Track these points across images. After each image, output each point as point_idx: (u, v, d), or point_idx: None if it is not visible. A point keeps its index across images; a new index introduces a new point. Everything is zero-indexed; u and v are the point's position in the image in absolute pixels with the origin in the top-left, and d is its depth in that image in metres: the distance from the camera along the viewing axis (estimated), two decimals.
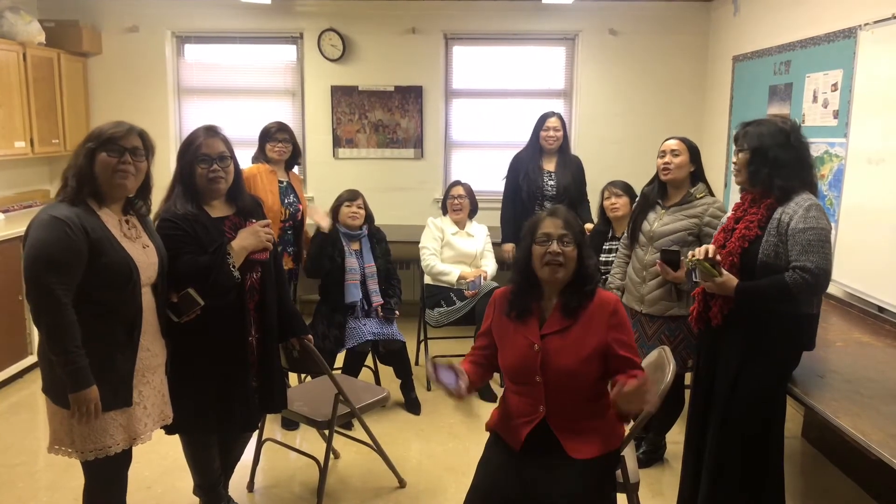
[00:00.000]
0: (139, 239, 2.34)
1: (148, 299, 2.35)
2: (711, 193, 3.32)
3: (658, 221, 3.30)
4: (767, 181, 2.47)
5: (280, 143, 4.11)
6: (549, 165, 4.53)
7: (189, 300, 2.45)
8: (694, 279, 2.75)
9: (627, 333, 2.30)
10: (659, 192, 3.35)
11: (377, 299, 4.12)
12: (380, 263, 4.18)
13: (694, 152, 3.28)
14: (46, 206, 2.21)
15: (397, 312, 4.18)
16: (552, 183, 4.48)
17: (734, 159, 2.58)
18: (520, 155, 4.66)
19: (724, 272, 2.49)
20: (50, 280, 2.08)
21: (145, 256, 2.32)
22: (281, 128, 4.14)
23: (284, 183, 4.16)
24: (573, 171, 4.53)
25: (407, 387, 4.23)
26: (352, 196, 4.12)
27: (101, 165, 2.21)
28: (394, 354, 4.18)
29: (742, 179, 2.57)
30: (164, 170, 5.74)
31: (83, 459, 2.27)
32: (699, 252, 2.50)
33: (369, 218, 4.19)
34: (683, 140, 3.29)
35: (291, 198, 4.16)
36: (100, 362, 2.19)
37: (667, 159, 3.26)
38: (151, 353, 2.38)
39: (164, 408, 2.48)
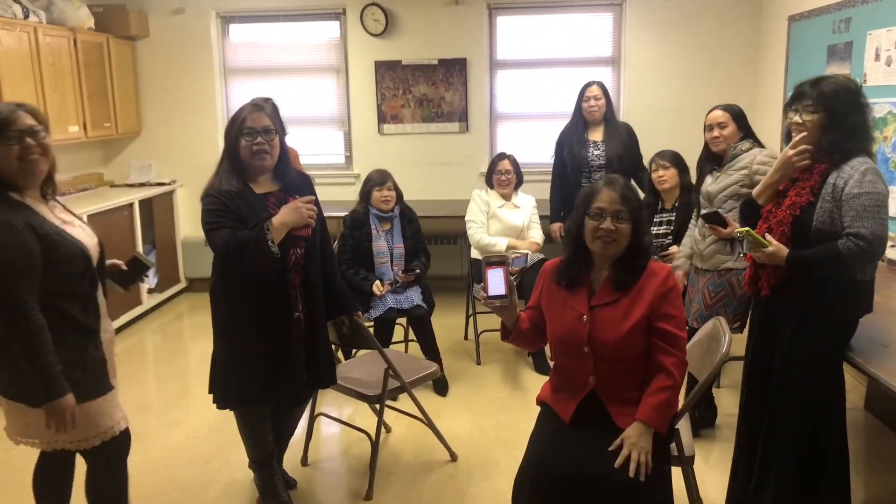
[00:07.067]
0: (74, 221, 2.25)
1: (95, 279, 2.27)
2: (761, 146, 3.32)
3: (713, 181, 3.34)
4: (837, 146, 2.33)
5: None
6: (596, 136, 4.44)
7: (138, 265, 2.39)
8: (741, 250, 2.75)
9: (676, 307, 2.23)
10: (711, 159, 3.38)
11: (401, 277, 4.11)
12: (409, 245, 4.15)
13: (739, 118, 3.29)
14: None
15: (417, 270, 4.07)
16: (598, 153, 4.38)
17: (796, 119, 2.39)
18: (564, 130, 4.58)
19: (774, 241, 2.40)
20: (14, 286, 1.97)
21: (88, 237, 2.23)
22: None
23: None
24: (624, 139, 4.42)
25: (434, 359, 4.08)
26: (382, 179, 4.07)
27: (3, 155, 2.04)
28: (415, 321, 4.14)
29: (809, 142, 2.39)
30: (211, 149, 5.91)
31: (85, 448, 2.23)
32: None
33: (399, 197, 4.16)
34: (727, 109, 3.30)
35: None
36: (77, 356, 2.12)
37: (715, 133, 3.29)
38: (108, 332, 2.31)
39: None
